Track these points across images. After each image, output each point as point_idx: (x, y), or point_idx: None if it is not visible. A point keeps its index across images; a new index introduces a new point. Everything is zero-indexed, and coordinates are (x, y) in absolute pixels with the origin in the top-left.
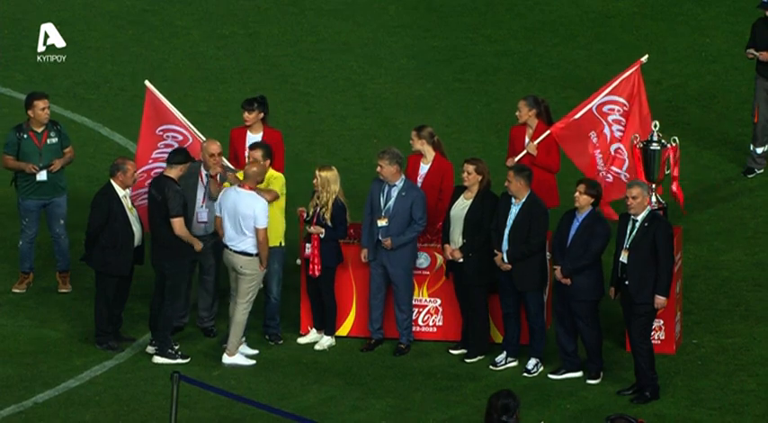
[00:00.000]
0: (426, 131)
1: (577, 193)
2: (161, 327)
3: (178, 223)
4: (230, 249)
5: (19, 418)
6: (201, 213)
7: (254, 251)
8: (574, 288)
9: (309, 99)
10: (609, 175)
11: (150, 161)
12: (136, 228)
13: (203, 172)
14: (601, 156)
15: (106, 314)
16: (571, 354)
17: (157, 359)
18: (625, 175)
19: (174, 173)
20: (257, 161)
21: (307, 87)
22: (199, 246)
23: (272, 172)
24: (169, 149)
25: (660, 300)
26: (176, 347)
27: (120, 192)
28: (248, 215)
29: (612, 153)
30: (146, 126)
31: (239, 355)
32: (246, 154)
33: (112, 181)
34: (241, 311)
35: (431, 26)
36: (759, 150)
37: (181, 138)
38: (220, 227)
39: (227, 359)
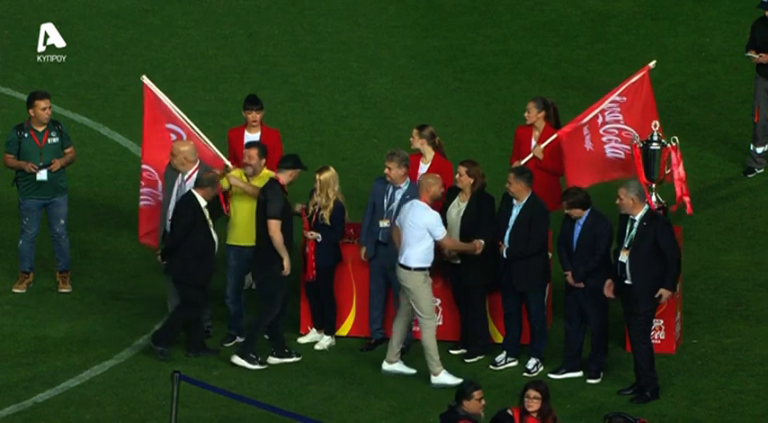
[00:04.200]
0: (428, 131)
1: (564, 204)
2: (249, 331)
3: (274, 225)
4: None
5: (19, 417)
6: (170, 212)
7: (412, 265)
8: (588, 290)
9: (309, 99)
10: (620, 153)
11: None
12: (215, 238)
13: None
14: (590, 138)
15: (194, 323)
16: (575, 353)
17: (236, 360)
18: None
19: (283, 177)
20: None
21: (307, 87)
22: (287, 262)
23: (266, 171)
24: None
25: (665, 293)
26: (269, 354)
27: (203, 202)
28: (416, 226)
29: (616, 131)
30: (151, 122)
31: (444, 374)
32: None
33: (196, 191)
34: (425, 331)
35: (431, 26)
36: (759, 150)
37: (183, 133)
38: (397, 238)
39: (434, 379)
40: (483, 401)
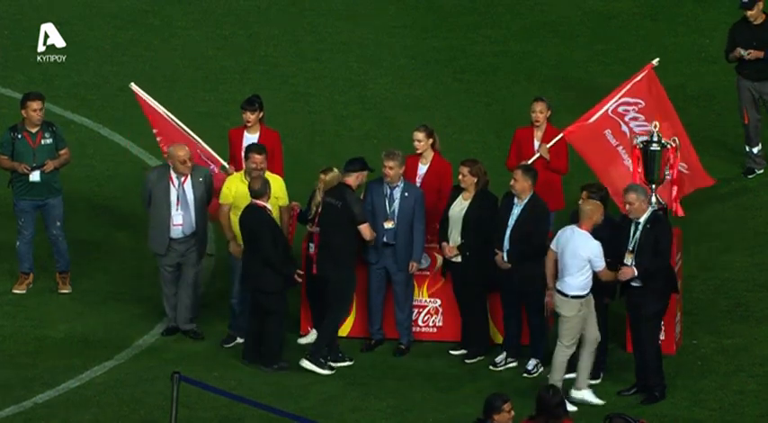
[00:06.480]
0: (430, 130)
1: (581, 201)
2: (320, 334)
3: (366, 229)
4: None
5: (19, 418)
6: (176, 216)
7: (570, 293)
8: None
9: (309, 99)
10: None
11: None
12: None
13: (173, 175)
14: (624, 149)
15: (269, 334)
16: (573, 355)
17: (305, 364)
18: (684, 167)
19: (351, 180)
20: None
21: (307, 88)
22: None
23: (268, 174)
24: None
25: (627, 271)
26: (333, 360)
27: (269, 208)
28: (579, 257)
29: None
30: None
31: (586, 391)
32: (243, 155)
33: (262, 201)
34: (558, 352)
35: (431, 26)
36: (755, 150)
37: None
38: (551, 263)
39: (576, 394)
40: (512, 412)
